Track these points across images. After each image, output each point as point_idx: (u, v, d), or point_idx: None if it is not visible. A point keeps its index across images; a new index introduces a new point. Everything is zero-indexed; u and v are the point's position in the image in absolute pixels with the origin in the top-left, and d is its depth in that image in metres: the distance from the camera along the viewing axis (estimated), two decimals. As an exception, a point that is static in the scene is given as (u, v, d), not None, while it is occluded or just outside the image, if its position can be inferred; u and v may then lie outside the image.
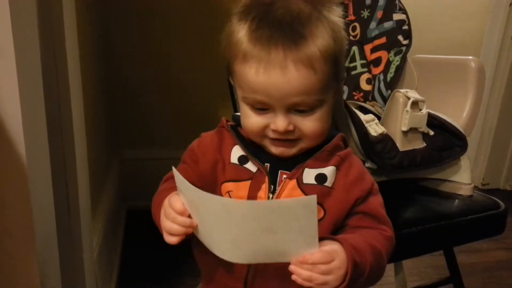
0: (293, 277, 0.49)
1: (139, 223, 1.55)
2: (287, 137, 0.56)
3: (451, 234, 0.88)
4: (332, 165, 0.58)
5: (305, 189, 0.57)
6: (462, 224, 0.87)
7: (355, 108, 0.90)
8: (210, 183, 0.60)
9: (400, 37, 1.02)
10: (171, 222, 0.52)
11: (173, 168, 0.52)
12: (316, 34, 0.53)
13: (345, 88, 1.09)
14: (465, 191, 0.95)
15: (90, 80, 1.15)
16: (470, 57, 0.96)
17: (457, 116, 0.93)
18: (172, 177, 0.61)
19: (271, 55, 0.52)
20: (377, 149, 0.80)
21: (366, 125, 0.80)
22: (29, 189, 0.59)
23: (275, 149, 0.58)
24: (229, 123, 0.63)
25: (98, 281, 1.01)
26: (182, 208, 0.52)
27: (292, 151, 0.58)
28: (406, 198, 0.92)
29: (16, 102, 0.57)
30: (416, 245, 0.84)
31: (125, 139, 1.72)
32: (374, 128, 0.82)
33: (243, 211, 0.48)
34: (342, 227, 0.59)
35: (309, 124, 0.56)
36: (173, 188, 0.58)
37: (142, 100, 1.70)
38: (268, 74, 0.52)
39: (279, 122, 0.55)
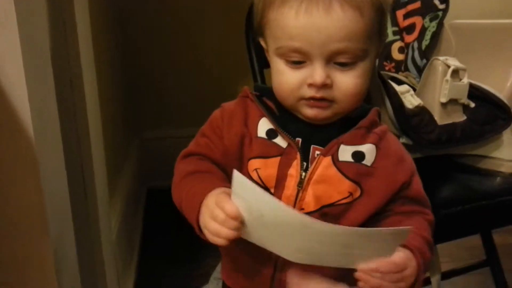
0: (360, 284, 0.47)
1: (159, 204, 1.54)
2: (323, 95, 0.51)
3: (493, 215, 0.82)
4: (370, 142, 0.54)
5: (341, 167, 0.53)
6: (506, 204, 0.81)
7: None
8: (235, 160, 0.56)
9: (436, 1, 0.95)
10: (220, 225, 0.47)
11: (236, 172, 0.45)
12: None
13: (375, 58, 1.02)
14: (507, 168, 0.89)
15: (105, 58, 1.11)
16: (516, 21, 0.88)
17: (500, 86, 0.86)
18: (192, 154, 0.58)
19: None
20: (413, 123, 0.74)
21: (401, 96, 0.74)
22: (39, 171, 0.56)
23: (309, 111, 0.53)
24: (253, 93, 0.58)
25: (118, 263, 0.99)
26: (236, 213, 0.46)
27: (326, 113, 0.53)
28: (443, 177, 0.86)
29: (22, 79, 0.53)
30: (455, 227, 0.79)
31: (145, 119, 1.70)
32: (410, 100, 0.75)
33: (325, 232, 0.45)
34: (385, 211, 0.55)
35: (349, 80, 0.51)
36: (199, 172, 0.55)
37: (161, 79, 1.67)
38: (309, 14, 0.48)
39: (317, 74, 0.50)
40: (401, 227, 0.47)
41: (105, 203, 0.90)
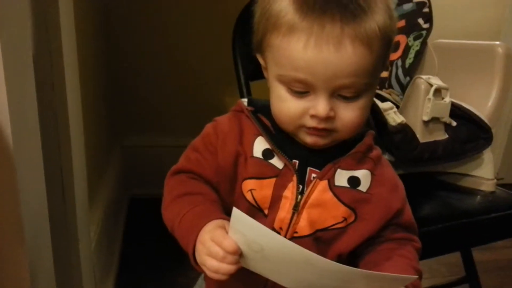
0: None
1: (141, 212, 1.52)
2: (325, 126, 0.50)
3: (472, 233, 0.83)
4: (365, 168, 0.54)
5: (337, 192, 0.52)
6: (485, 223, 0.82)
7: (371, 96, 0.84)
8: (228, 178, 0.54)
9: (420, 20, 0.96)
10: (219, 262, 0.46)
11: (235, 209, 0.44)
12: (375, 8, 0.47)
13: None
14: (487, 186, 0.90)
15: (88, 61, 1.10)
16: (497, 43, 0.90)
17: (481, 105, 0.88)
18: (182, 171, 0.57)
19: (325, 28, 0.45)
20: (396, 140, 0.74)
21: (384, 114, 0.74)
22: (16, 175, 0.54)
23: (309, 138, 0.52)
24: (249, 108, 0.56)
25: (96, 273, 0.97)
26: (235, 248, 0.45)
27: (325, 141, 0.52)
28: (424, 194, 0.87)
29: (0, 81, 0.51)
30: (435, 245, 0.78)
31: (127, 125, 1.67)
32: (393, 117, 0.76)
33: (329, 269, 0.43)
34: (377, 237, 0.55)
35: (351, 113, 0.50)
36: (190, 193, 0.54)
37: (144, 85, 1.65)
38: (319, 49, 0.46)
39: (321, 106, 0.48)
40: (405, 276, 0.46)
41: (84, 210, 0.88)
